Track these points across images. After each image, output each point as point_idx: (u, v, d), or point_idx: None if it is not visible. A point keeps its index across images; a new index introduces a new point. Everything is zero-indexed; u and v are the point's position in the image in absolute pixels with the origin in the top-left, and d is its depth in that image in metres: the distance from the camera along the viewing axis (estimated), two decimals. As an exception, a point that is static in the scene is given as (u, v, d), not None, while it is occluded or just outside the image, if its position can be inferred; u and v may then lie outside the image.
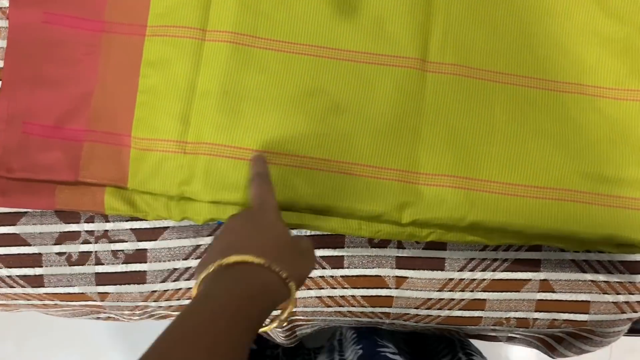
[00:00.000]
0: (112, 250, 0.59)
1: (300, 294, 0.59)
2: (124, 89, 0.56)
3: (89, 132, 0.56)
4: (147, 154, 0.55)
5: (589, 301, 0.58)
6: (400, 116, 0.55)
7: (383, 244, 0.59)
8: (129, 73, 0.56)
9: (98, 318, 0.66)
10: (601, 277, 0.58)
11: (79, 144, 0.55)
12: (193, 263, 0.59)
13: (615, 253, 0.56)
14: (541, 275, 0.58)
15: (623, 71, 0.57)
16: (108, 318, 0.66)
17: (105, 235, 0.59)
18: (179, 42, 0.55)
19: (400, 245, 0.59)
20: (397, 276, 0.59)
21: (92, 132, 0.56)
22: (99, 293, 0.59)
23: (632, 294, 0.58)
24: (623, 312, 0.58)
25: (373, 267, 0.59)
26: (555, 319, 0.59)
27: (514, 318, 0.59)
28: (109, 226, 0.59)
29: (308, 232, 0.58)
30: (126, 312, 0.62)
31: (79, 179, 0.55)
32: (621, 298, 0.58)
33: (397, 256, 0.59)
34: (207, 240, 0.59)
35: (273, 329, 0.64)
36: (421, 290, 0.59)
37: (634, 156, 0.55)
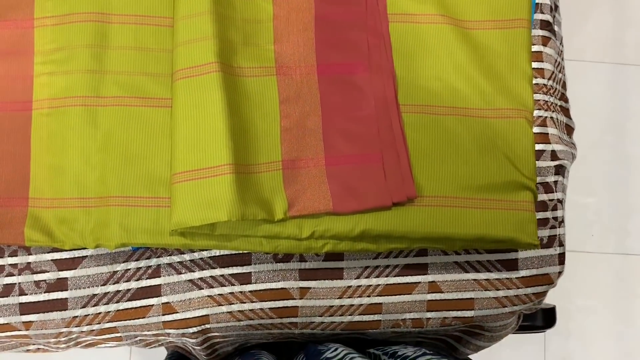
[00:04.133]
0: (34, 281, 0.63)
1: (212, 310, 0.64)
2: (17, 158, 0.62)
3: None
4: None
5: (473, 298, 0.65)
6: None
7: (287, 258, 0.64)
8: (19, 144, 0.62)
9: (28, 350, 0.70)
10: (482, 276, 0.65)
11: None
12: (111, 288, 0.63)
13: (491, 250, 0.63)
14: (429, 278, 0.65)
15: (490, 92, 0.66)
16: (37, 350, 0.70)
17: (28, 267, 0.63)
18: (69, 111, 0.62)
19: (302, 259, 0.64)
20: (300, 287, 0.64)
21: None
22: (23, 322, 0.63)
23: (510, 289, 0.65)
24: (504, 306, 0.65)
25: (278, 281, 0.64)
26: (445, 317, 0.65)
27: (409, 319, 0.65)
28: (31, 258, 0.64)
29: (219, 252, 0.64)
30: (52, 340, 0.65)
31: None
32: (501, 293, 0.65)
33: (299, 269, 0.64)
34: (123, 266, 0.64)
35: (195, 349, 0.68)
36: (323, 298, 0.64)
37: (502, 165, 0.63)
